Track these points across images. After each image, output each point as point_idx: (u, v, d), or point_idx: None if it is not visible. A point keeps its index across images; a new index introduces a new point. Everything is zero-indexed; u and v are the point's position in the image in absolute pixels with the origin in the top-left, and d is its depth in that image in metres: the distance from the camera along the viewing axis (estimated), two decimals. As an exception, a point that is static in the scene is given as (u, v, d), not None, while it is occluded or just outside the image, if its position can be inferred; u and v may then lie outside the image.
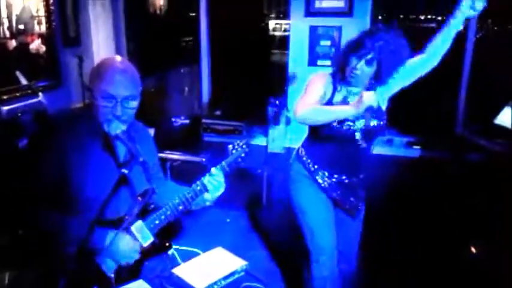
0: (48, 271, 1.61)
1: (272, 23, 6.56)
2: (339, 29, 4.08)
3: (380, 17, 4.32)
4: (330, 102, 2.05)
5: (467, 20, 2.06)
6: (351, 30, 4.04)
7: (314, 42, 4.17)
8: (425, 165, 4.05)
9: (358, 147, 2.09)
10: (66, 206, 1.59)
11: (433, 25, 4.96)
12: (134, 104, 1.58)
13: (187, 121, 4.95)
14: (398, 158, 4.19)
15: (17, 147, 3.25)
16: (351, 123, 2.02)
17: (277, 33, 6.71)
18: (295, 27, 4.22)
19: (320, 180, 2.16)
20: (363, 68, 1.94)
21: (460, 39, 4.07)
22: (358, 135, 2.04)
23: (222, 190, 1.69)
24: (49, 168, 1.57)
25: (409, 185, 3.92)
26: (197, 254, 1.80)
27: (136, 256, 1.59)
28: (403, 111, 4.78)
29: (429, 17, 5.00)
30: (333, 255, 2.21)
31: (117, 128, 1.53)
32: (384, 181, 4.11)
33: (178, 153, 4.16)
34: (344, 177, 2.15)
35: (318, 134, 2.13)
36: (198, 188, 1.65)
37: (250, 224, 3.64)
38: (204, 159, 4.48)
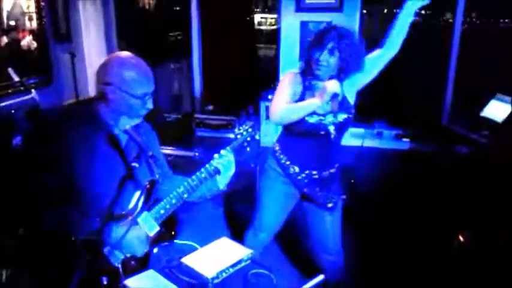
0: (57, 268, 1.63)
1: (257, 17, 6.58)
2: (329, 24, 4.13)
3: (364, 11, 4.39)
4: (301, 100, 2.14)
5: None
6: (341, 24, 4.10)
7: (305, 37, 4.22)
8: (415, 157, 4.14)
9: (329, 141, 2.16)
10: (74, 203, 1.61)
11: (417, 18, 5.04)
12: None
13: (179, 116, 4.99)
14: (388, 150, 4.28)
15: (10, 145, 3.25)
16: (322, 117, 2.11)
17: (263, 28, 6.72)
18: (286, 23, 4.27)
19: (291, 175, 2.26)
20: (327, 59, 2.05)
21: (447, 31, 4.19)
22: (332, 129, 2.12)
23: (233, 169, 1.70)
24: (57, 167, 1.60)
25: (399, 177, 4.01)
26: (194, 248, 1.83)
27: (143, 249, 1.63)
28: (392, 105, 4.89)
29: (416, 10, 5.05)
30: (267, 233, 2.42)
31: (126, 124, 1.57)
32: (374, 173, 4.20)
33: (171, 148, 4.18)
34: (314, 172, 2.23)
35: (292, 129, 2.21)
36: (203, 175, 1.66)
37: (244, 217, 3.69)
38: (197, 154, 4.52)
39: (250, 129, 1.71)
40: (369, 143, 4.27)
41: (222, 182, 1.74)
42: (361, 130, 4.36)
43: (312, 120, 2.11)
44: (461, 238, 3.15)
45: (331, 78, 2.09)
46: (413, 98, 4.90)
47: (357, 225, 3.78)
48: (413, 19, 2.22)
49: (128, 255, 1.62)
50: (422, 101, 4.79)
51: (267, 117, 4.47)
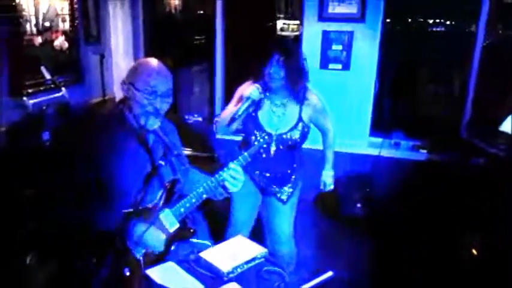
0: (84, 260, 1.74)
1: (280, 23, 6.62)
2: (351, 34, 4.20)
3: (388, 20, 4.42)
4: (255, 111, 2.37)
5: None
6: (362, 35, 4.17)
7: (326, 46, 4.29)
8: (432, 168, 4.16)
9: (276, 156, 2.38)
10: (100, 198, 1.73)
11: (442, 29, 5.04)
12: (169, 100, 1.75)
13: (200, 118, 5.10)
14: (405, 160, 4.30)
15: (41, 140, 3.41)
16: (274, 139, 2.32)
17: (284, 33, 6.76)
18: (308, 31, 4.34)
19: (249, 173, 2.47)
20: (276, 71, 2.27)
21: (470, 42, 4.19)
22: (273, 149, 2.34)
23: (240, 185, 1.80)
24: (88, 164, 1.72)
25: (415, 187, 4.02)
26: (207, 246, 1.91)
27: (162, 247, 1.73)
28: (410, 115, 4.91)
29: (437, 20, 5.06)
30: (243, 227, 2.61)
31: (154, 124, 1.68)
32: (391, 183, 4.23)
33: (191, 149, 4.28)
34: (268, 174, 2.48)
35: (246, 140, 2.47)
36: (221, 178, 1.77)
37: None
38: (216, 155, 4.62)
39: (266, 137, 1.81)
40: (386, 153, 4.30)
41: (236, 186, 1.82)
42: (378, 140, 4.39)
43: (259, 138, 2.32)
44: (474, 251, 3.18)
45: (279, 90, 2.35)
46: (432, 109, 4.91)
47: (374, 234, 3.83)
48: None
49: (148, 250, 1.72)
50: (441, 113, 4.80)
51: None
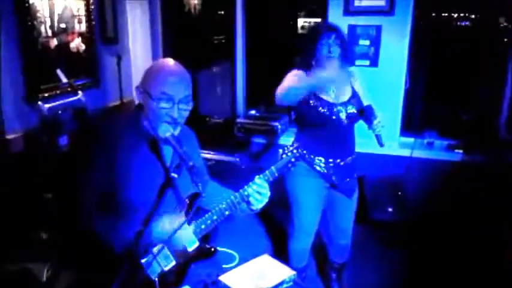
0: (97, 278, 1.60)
1: (300, 22, 6.45)
2: (379, 28, 3.97)
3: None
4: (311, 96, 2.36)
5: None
6: (391, 29, 3.93)
7: (352, 42, 4.07)
8: (468, 169, 3.92)
9: (344, 131, 2.41)
10: (114, 210, 1.60)
11: (467, 23, 4.80)
12: (189, 106, 1.59)
13: (221, 120, 4.97)
14: (438, 161, 4.07)
15: (57, 145, 3.32)
16: (339, 108, 2.36)
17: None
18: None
19: (318, 168, 2.43)
20: (334, 49, 2.32)
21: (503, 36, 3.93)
22: (343, 116, 2.36)
23: (265, 202, 1.68)
24: (99, 173, 1.60)
25: (450, 189, 3.80)
26: (232, 256, 1.79)
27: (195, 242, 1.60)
28: (444, 113, 4.66)
29: (462, 15, 4.81)
30: (310, 234, 2.60)
31: (166, 131, 1.53)
32: (424, 185, 4.01)
33: (211, 152, 4.15)
34: (338, 160, 2.43)
35: (306, 121, 2.43)
36: (246, 193, 1.65)
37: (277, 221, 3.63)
38: (237, 159, 4.47)
39: (295, 151, 1.70)
40: (419, 153, 4.06)
41: (261, 202, 1.69)
42: (410, 140, 4.15)
43: (323, 110, 2.33)
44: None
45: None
46: (467, 107, 4.66)
47: (406, 239, 3.64)
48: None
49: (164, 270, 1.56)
50: (477, 111, 4.55)
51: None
